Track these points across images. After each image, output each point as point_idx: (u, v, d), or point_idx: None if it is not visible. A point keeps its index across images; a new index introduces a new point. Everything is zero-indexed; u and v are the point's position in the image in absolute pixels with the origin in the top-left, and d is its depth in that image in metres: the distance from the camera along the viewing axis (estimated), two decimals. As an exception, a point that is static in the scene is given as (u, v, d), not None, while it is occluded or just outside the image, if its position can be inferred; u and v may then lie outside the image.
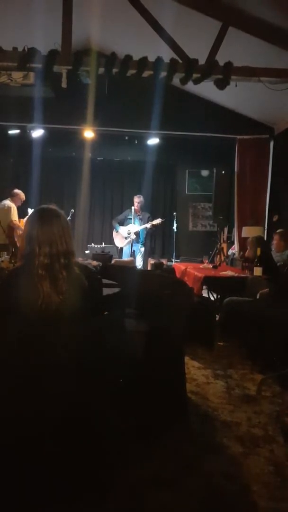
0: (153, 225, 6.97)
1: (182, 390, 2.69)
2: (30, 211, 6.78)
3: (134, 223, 7.01)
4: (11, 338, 1.70)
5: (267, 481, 2.02)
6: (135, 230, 6.96)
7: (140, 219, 7.05)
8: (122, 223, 7.16)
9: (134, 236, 6.95)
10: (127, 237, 7.04)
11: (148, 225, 6.95)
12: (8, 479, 1.68)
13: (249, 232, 6.06)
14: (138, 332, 2.74)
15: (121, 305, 2.92)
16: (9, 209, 6.30)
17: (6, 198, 6.48)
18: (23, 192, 7.05)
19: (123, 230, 7.10)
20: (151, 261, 7.59)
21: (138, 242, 7.07)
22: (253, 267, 4.44)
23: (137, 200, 7.02)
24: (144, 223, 7.03)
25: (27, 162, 7.31)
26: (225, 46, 4.16)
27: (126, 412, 2.25)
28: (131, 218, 7.03)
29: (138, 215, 7.03)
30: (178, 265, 5.76)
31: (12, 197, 6.48)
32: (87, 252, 7.20)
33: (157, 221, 6.94)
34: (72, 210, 7.25)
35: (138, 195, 7.09)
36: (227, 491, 1.93)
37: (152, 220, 6.98)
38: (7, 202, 6.39)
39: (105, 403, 1.91)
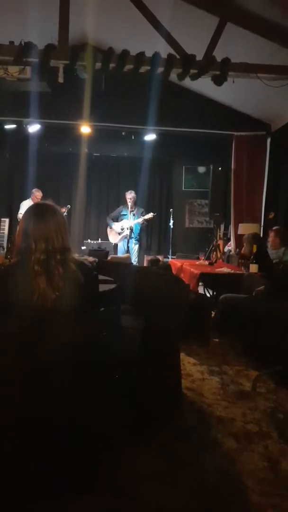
0: (145, 220, 6.95)
1: (178, 386, 2.70)
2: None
3: (128, 219, 6.99)
4: (6, 334, 1.70)
5: (261, 477, 2.03)
6: (128, 226, 6.95)
7: (134, 214, 7.03)
8: (116, 220, 7.13)
9: (128, 232, 6.93)
10: (121, 232, 7.02)
11: (140, 220, 6.93)
12: (3, 475, 1.68)
13: (245, 229, 6.08)
14: (134, 329, 2.74)
15: (117, 301, 2.92)
16: None
17: (1, 193, 6.54)
18: (19, 187, 7.08)
19: (116, 226, 7.08)
20: (147, 257, 7.58)
21: (132, 238, 7.05)
22: (249, 264, 4.44)
23: (129, 196, 6.99)
24: (138, 219, 7.02)
25: (23, 157, 7.27)
26: (223, 42, 4.15)
27: (122, 407, 2.26)
28: (125, 214, 7.02)
29: (132, 211, 7.01)
30: (174, 262, 5.77)
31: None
32: (83, 248, 7.20)
33: (149, 215, 6.91)
34: (69, 206, 7.23)
35: (129, 191, 7.04)
36: (221, 487, 1.94)
37: (145, 215, 6.97)
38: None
39: (100, 399, 1.91)
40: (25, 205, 6.95)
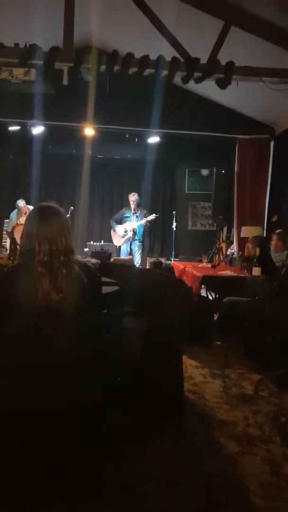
0: (148, 221, 6.96)
1: (180, 388, 2.70)
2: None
3: (131, 221, 7.00)
4: (9, 335, 1.70)
5: (263, 480, 2.03)
6: (131, 228, 6.96)
7: (137, 216, 7.03)
8: (119, 222, 7.15)
9: (131, 234, 6.94)
10: (124, 235, 7.03)
11: (143, 222, 6.94)
12: (4, 476, 1.68)
13: (248, 232, 6.07)
14: (137, 331, 2.74)
15: (119, 303, 2.92)
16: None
17: (5, 194, 6.55)
18: (23, 189, 7.06)
19: (120, 228, 7.09)
20: (150, 259, 7.59)
21: (135, 240, 7.06)
22: (252, 267, 4.44)
23: (132, 198, 6.99)
24: (141, 221, 7.02)
25: (27, 158, 7.30)
26: (227, 45, 4.15)
27: (123, 410, 2.26)
28: (128, 217, 7.03)
29: (135, 213, 7.02)
30: (177, 264, 5.76)
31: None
32: (86, 249, 7.21)
33: (151, 216, 6.92)
34: (72, 207, 7.25)
35: (132, 193, 7.05)
36: (223, 489, 1.94)
37: (148, 216, 6.97)
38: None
39: (102, 401, 1.92)
40: (14, 218, 6.99)
